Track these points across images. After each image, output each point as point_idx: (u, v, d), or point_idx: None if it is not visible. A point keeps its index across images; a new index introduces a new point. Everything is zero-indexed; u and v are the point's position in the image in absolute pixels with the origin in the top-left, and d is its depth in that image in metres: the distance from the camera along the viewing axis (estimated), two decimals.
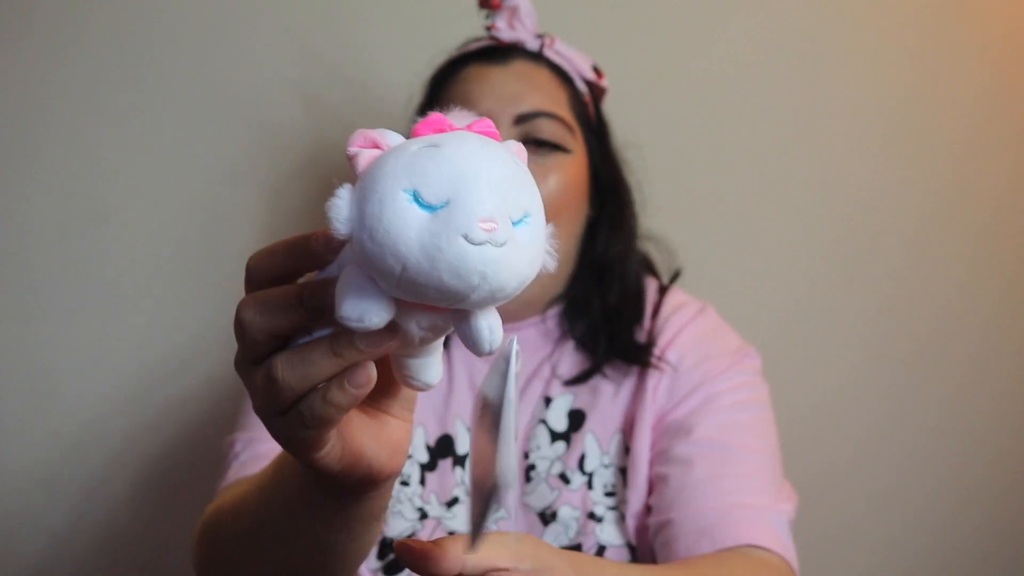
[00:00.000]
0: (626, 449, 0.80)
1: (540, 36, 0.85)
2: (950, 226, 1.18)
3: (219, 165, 1.17)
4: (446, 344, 0.84)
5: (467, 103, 0.79)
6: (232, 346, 1.22)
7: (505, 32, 0.83)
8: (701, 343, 0.83)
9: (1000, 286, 1.19)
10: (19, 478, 1.20)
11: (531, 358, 0.85)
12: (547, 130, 0.79)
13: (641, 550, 0.76)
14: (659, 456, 0.77)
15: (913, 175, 1.17)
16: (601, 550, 0.76)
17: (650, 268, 0.95)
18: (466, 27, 1.01)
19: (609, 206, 0.87)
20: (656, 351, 0.82)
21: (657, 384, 0.80)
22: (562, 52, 0.85)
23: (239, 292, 1.19)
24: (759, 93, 1.15)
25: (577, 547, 0.77)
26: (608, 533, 0.77)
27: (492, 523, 0.76)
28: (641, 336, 0.84)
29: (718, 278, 1.16)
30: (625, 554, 0.76)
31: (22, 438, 1.20)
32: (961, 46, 1.16)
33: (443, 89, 0.84)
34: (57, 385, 1.19)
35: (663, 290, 0.91)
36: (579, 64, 0.86)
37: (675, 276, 0.95)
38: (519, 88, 0.80)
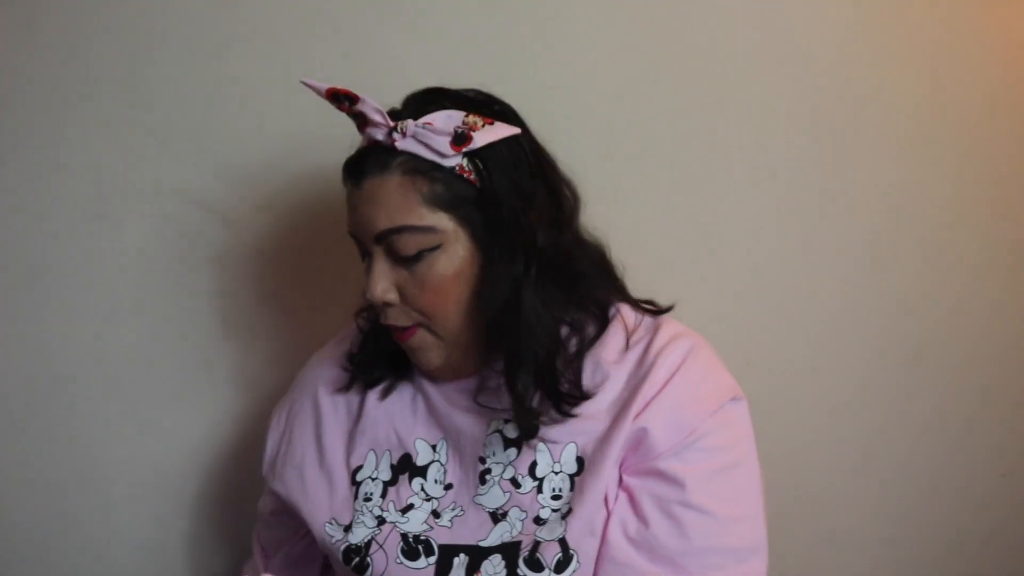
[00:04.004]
0: (578, 460, 0.85)
1: (391, 129, 0.82)
2: (952, 231, 1.18)
3: (218, 165, 1.18)
4: (408, 375, 0.93)
5: (348, 224, 0.86)
6: (232, 346, 1.22)
7: (365, 135, 0.84)
8: (695, 388, 0.84)
9: (1000, 290, 1.19)
10: (17, 478, 1.20)
11: (469, 386, 0.89)
12: (402, 245, 0.82)
13: (576, 549, 0.81)
14: (650, 497, 0.82)
15: (918, 175, 1.17)
16: (536, 545, 0.81)
17: (620, 291, 0.96)
18: (460, 30, 1.00)
19: (499, 253, 0.84)
20: (649, 388, 0.83)
21: (640, 418, 0.82)
22: (418, 138, 0.81)
23: (239, 292, 1.20)
24: (760, 92, 1.16)
25: (518, 543, 0.82)
26: (546, 531, 0.82)
27: (448, 520, 0.86)
28: (577, 381, 0.85)
29: (717, 280, 1.16)
30: (556, 548, 0.82)
31: (21, 437, 1.21)
32: (962, 46, 1.16)
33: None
34: (54, 385, 1.20)
35: (649, 315, 0.92)
36: (436, 145, 0.81)
37: (659, 307, 0.95)
38: (368, 211, 0.83)
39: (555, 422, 0.84)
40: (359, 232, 0.85)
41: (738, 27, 1.15)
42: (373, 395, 0.94)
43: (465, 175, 0.83)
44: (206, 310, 1.19)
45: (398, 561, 0.85)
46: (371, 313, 0.94)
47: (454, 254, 0.83)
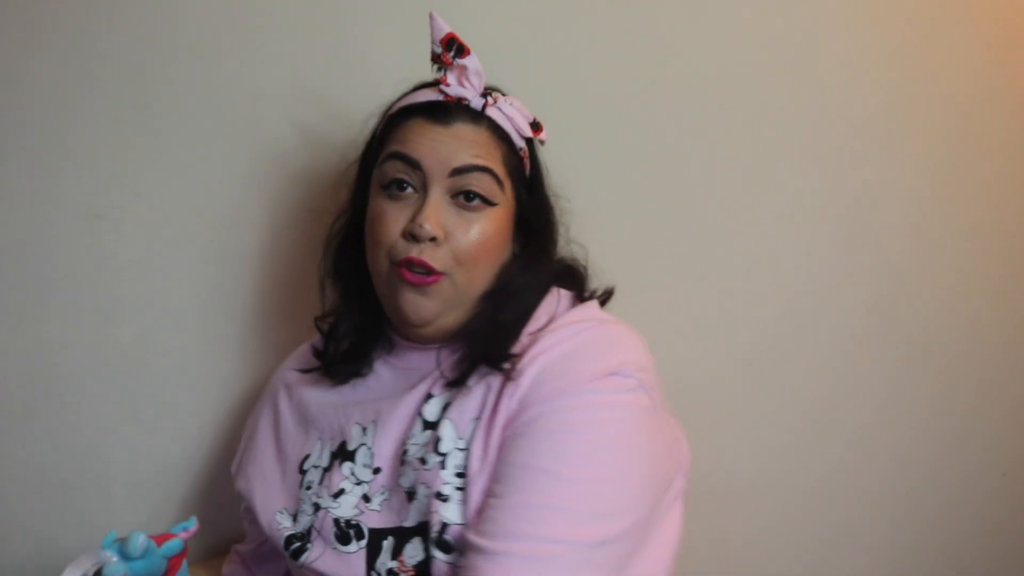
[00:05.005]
0: (488, 438, 0.84)
1: (485, 95, 0.91)
2: (936, 227, 1.18)
3: (217, 165, 1.18)
4: (352, 362, 0.95)
5: (409, 147, 0.88)
6: (232, 346, 1.22)
7: (453, 88, 0.89)
8: (566, 359, 0.83)
9: (986, 288, 1.19)
10: (17, 477, 1.20)
11: (425, 358, 0.92)
12: (477, 184, 0.87)
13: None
14: (502, 465, 0.81)
15: (897, 174, 1.17)
16: (444, 528, 0.81)
17: (575, 281, 0.97)
18: (459, 31, 0.99)
19: (530, 246, 0.94)
20: (523, 361, 0.84)
21: (515, 390, 0.83)
22: (504, 110, 0.92)
23: (237, 291, 1.20)
24: (760, 93, 1.16)
25: (427, 524, 0.82)
26: (452, 512, 0.82)
27: (377, 504, 0.87)
28: (515, 346, 0.87)
29: (716, 280, 1.17)
30: (461, 532, 0.80)
31: (19, 438, 1.20)
32: (942, 41, 1.16)
33: (391, 131, 0.91)
34: (54, 385, 1.20)
35: (580, 302, 0.93)
36: (518, 122, 0.93)
37: (600, 295, 0.96)
38: (456, 147, 0.87)
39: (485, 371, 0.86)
40: (432, 162, 0.87)
41: (739, 29, 1.15)
42: (323, 388, 0.97)
43: (524, 159, 0.94)
44: (206, 311, 1.20)
45: (333, 547, 0.87)
46: (335, 321, 0.97)
47: (502, 219, 0.90)
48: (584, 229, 1.01)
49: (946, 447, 1.21)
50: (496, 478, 0.80)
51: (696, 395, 1.16)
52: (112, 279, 1.19)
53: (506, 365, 0.84)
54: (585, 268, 1.00)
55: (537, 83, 1.14)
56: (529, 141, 0.95)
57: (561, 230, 0.99)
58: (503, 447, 0.81)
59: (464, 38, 0.89)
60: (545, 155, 0.99)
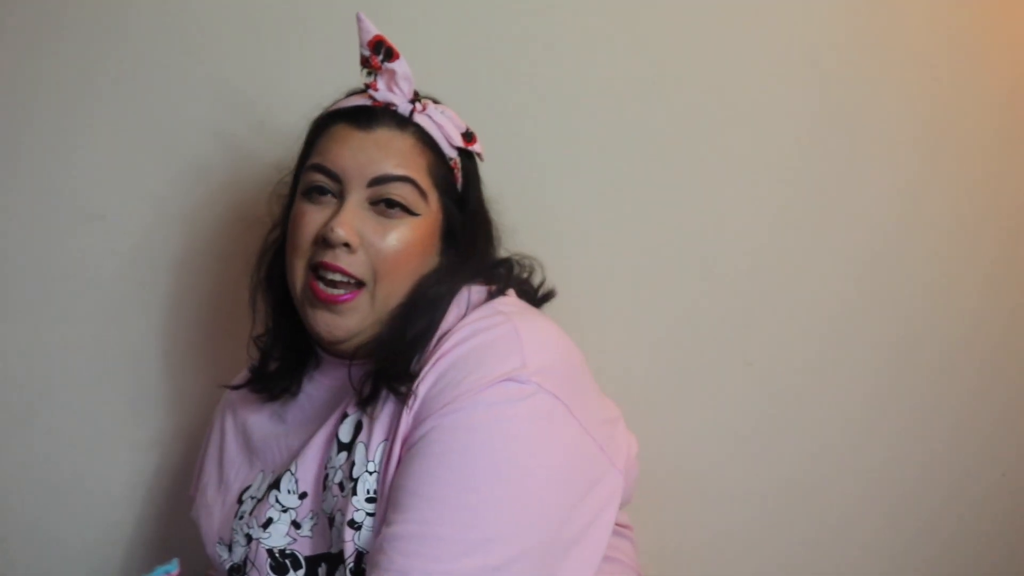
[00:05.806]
0: (389, 458, 0.80)
1: (413, 101, 0.89)
2: (952, 231, 1.18)
3: (213, 165, 1.18)
4: (281, 378, 0.92)
5: (328, 159, 0.86)
6: (230, 346, 1.22)
7: (382, 93, 0.88)
8: (457, 368, 0.78)
9: (980, 282, 1.18)
10: (12, 478, 1.21)
11: (344, 373, 0.87)
12: (396, 192, 0.85)
13: None
14: (393, 490, 0.77)
15: (920, 177, 1.17)
16: (360, 556, 0.78)
17: (495, 276, 0.92)
18: (460, 31, 1.00)
19: (454, 258, 0.90)
20: (421, 372, 0.80)
21: (412, 403, 0.79)
22: (433, 117, 0.89)
23: (234, 290, 1.20)
24: (764, 93, 1.15)
25: (341, 552, 0.80)
26: (365, 539, 0.79)
27: (308, 530, 0.84)
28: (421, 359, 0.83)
29: (717, 280, 1.16)
30: None
31: (14, 438, 1.21)
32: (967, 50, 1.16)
33: (316, 140, 0.90)
34: (50, 384, 1.20)
35: (490, 301, 0.87)
36: (448, 131, 0.90)
37: (537, 291, 0.94)
38: (376, 154, 0.85)
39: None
40: (349, 170, 0.85)
41: (742, 27, 1.15)
42: (265, 415, 0.94)
43: (455, 171, 0.91)
44: (205, 311, 1.20)
45: None
46: (269, 337, 0.95)
47: (424, 229, 0.87)
48: (580, 230, 1.01)
49: (948, 450, 1.20)
50: (389, 503, 0.77)
51: (693, 393, 1.16)
52: (109, 280, 1.19)
53: (403, 388, 0.80)
54: (529, 265, 0.95)
55: (539, 82, 1.14)
56: (464, 153, 0.92)
57: (495, 242, 0.96)
58: (398, 468, 0.78)
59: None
60: (538, 155, 0.97)
